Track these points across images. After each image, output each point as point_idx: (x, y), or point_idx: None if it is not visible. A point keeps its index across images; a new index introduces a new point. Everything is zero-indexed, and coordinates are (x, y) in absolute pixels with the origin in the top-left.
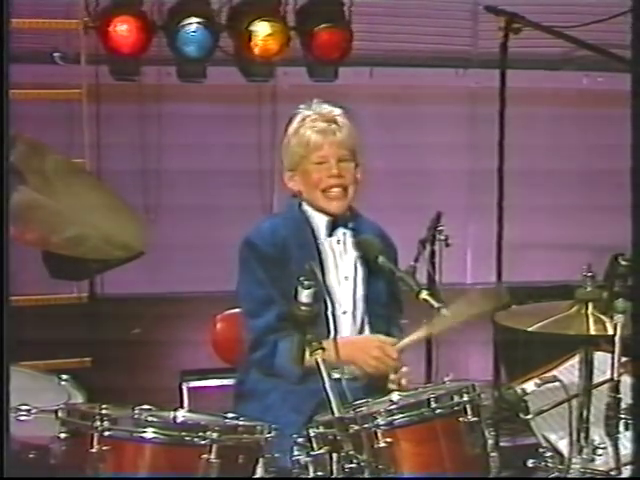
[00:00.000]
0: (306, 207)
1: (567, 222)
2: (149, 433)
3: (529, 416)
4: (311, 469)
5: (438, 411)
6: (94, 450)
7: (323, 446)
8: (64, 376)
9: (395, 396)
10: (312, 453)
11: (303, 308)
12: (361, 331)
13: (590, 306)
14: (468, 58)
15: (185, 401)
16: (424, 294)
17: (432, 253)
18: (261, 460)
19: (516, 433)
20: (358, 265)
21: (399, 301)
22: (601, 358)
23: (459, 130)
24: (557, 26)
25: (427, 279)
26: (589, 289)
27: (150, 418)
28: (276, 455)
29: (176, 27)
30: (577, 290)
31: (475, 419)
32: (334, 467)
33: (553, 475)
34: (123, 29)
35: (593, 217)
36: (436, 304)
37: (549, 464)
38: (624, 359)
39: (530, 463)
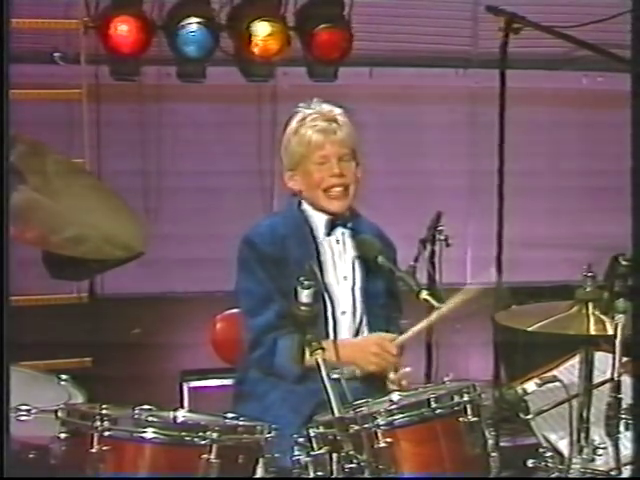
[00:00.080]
0: (305, 206)
1: (567, 222)
2: (149, 433)
3: (529, 416)
4: (311, 469)
5: (438, 411)
6: (94, 450)
7: (323, 446)
8: (64, 376)
9: (395, 396)
10: (312, 453)
11: (303, 308)
12: (359, 331)
13: (590, 306)
14: (468, 58)
15: (185, 401)
16: (424, 294)
17: (432, 253)
18: (261, 460)
19: (516, 433)
20: (357, 265)
21: (398, 301)
22: (601, 358)
23: (459, 130)
24: (557, 26)
25: (427, 279)
26: (589, 289)
27: (150, 418)
28: (276, 455)
29: (176, 27)
30: (577, 290)
31: (475, 419)
32: (334, 467)
33: (553, 475)
34: (123, 29)
35: (593, 217)
36: (436, 304)
37: (549, 464)
38: (624, 359)
39: (530, 463)
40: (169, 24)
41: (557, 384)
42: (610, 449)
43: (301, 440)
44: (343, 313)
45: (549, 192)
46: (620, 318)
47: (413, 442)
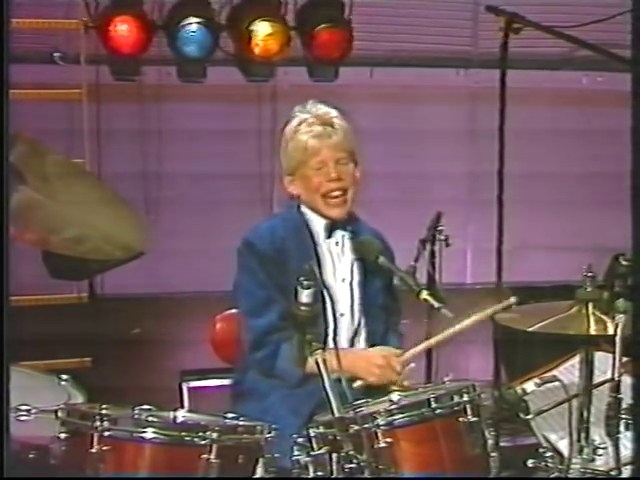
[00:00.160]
0: (305, 209)
1: (567, 222)
2: (149, 433)
3: (529, 416)
4: (311, 469)
5: (438, 411)
6: (94, 450)
7: (323, 446)
8: (64, 376)
9: (395, 396)
10: (312, 453)
11: (303, 308)
12: (357, 333)
13: (590, 306)
14: (468, 58)
15: (185, 401)
16: (424, 294)
17: (432, 253)
18: (261, 460)
19: (516, 433)
20: (355, 267)
21: (397, 303)
22: (601, 358)
23: (459, 130)
24: (557, 26)
25: (427, 279)
26: (590, 289)
27: (150, 418)
28: (276, 455)
29: (176, 27)
30: (578, 290)
31: (475, 419)
32: (334, 467)
33: (553, 475)
34: (123, 29)
35: (593, 217)
36: (436, 304)
37: (549, 464)
38: (624, 359)
39: (530, 463)
40: (169, 24)
41: (557, 384)
42: (610, 449)
43: (301, 440)
44: (342, 315)
45: (549, 192)
46: (620, 318)
47: (413, 442)
